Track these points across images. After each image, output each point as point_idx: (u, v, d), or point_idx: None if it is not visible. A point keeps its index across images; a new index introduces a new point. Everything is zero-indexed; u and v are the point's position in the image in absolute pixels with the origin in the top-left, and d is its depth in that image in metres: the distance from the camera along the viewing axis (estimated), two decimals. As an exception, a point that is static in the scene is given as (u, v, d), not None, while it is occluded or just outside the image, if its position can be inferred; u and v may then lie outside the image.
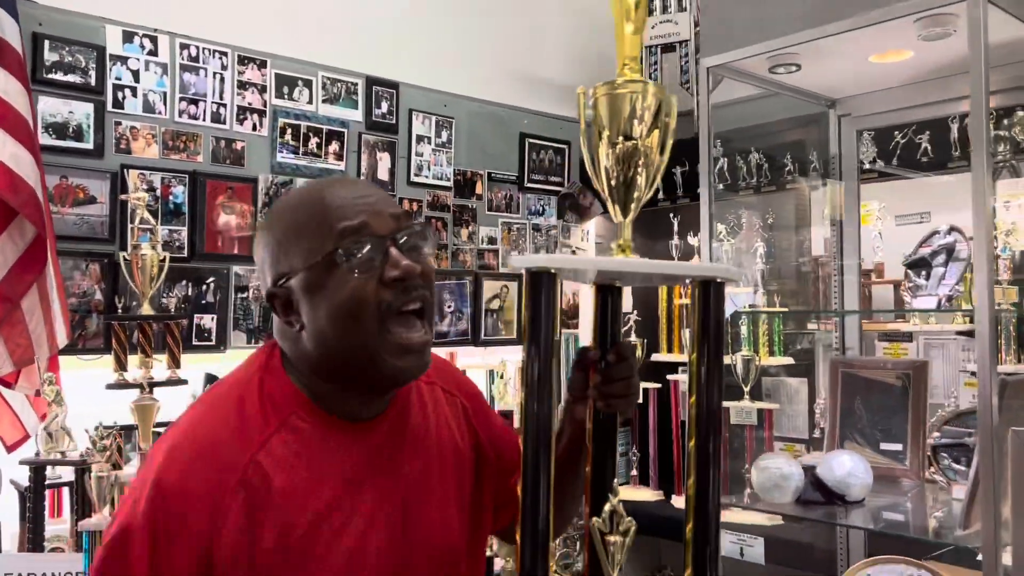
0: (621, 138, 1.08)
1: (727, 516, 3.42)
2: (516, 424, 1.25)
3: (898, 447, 1.97)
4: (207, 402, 1.13)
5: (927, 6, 1.53)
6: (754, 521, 2.30)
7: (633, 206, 1.10)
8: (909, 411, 1.98)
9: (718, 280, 1.08)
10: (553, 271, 1.01)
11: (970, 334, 3.74)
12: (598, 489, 1.16)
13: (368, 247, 1.06)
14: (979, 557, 1.61)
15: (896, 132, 3.31)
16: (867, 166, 2.40)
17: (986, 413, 1.47)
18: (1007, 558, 1.46)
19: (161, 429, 2.74)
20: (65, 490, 2.73)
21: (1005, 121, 2.57)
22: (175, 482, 1.00)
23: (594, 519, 1.04)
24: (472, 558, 1.21)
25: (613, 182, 1.10)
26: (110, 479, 2.22)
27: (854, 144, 2.25)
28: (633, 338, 4.10)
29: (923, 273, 1.84)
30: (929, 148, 3.36)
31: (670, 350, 4.06)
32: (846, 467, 1.79)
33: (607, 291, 1.18)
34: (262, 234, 1.16)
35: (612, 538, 1.02)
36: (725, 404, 3.73)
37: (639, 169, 1.08)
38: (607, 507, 1.03)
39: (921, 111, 2.47)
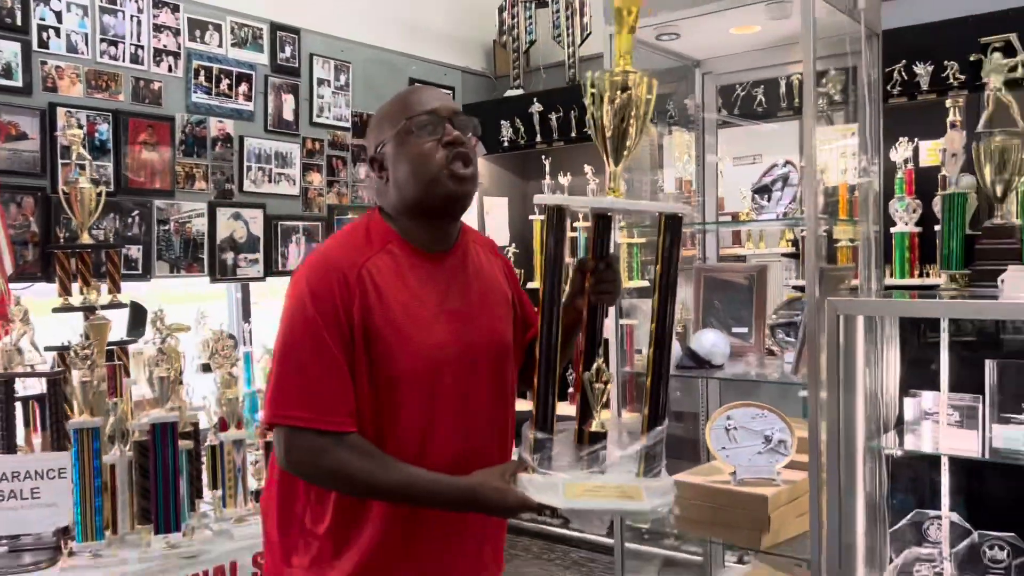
0: (619, 92, 1.44)
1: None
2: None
3: (745, 329, 2.58)
4: (328, 241, 1.59)
5: (774, -3, 2.11)
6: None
7: (625, 154, 1.48)
8: (754, 302, 2.59)
9: (679, 215, 1.46)
10: (563, 206, 1.44)
11: (793, 255, 4.54)
12: (588, 354, 1.52)
13: (434, 121, 1.53)
14: (801, 394, 2.25)
15: (738, 87, 3.96)
16: (723, 114, 2.99)
17: (812, 290, 2.08)
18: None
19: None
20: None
21: (823, 80, 3.23)
22: (318, 282, 1.48)
23: (585, 373, 1.48)
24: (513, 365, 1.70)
25: (609, 133, 1.47)
26: (93, 384, 2.51)
27: (714, 96, 2.82)
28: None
29: (766, 196, 2.43)
30: (764, 100, 4.04)
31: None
32: (711, 340, 2.38)
33: (600, 218, 1.54)
34: (371, 125, 1.63)
35: (598, 385, 1.46)
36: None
37: (631, 120, 1.47)
38: (594, 365, 1.47)
39: (764, 71, 3.10)
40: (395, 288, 1.51)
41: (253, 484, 2.91)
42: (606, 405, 1.50)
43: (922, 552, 2.24)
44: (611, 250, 1.57)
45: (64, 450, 2.60)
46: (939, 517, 2.30)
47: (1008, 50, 3.27)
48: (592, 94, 1.49)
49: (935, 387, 2.30)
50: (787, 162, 2.42)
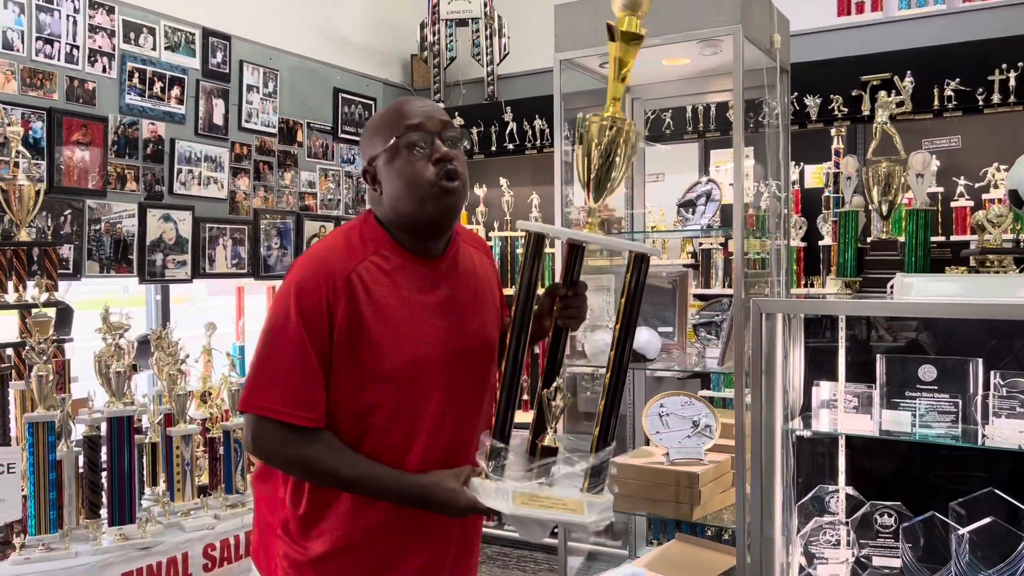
0: (608, 132, 1.51)
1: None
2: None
3: (670, 329, 2.87)
4: (325, 239, 1.64)
5: (708, 36, 2.41)
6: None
7: (605, 192, 1.55)
8: (677, 304, 2.89)
9: (647, 255, 1.51)
10: (544, 234, 1.55)
11: (692, 266, 4.94)
12: (550, 373, 1.58)
13: (423, 137, 1.56)
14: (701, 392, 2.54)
15: (647, 112, 4.30)
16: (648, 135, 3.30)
17: (739, 292, 2.39)
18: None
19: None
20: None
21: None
22: (306, 282, 1.53)
23: (545, 391, 1.53)
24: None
25: (594, 173, 1.52)
26: (49, 379, 2.54)
27: (642, 118, 3.12)
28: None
29: (691, 210, 2.73)
30: (671, 124, 4.39)
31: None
32: (646, 336, 2.65)
33: (574, 248, 1.59)
34: (363, 135, 1.65)
35: (556, 403, 1.52)
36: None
37: (619, 151, 1.50)
38: (554, 384, 1.53)
39: (685, 99, 3.44)
40: (385, 290, 1.56)
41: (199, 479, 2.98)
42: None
43: (824, 521, 2.57)
44: (579, 278, 1.63)
45: (6, 445, 2.61)
46: (837, 491, 2.65)
47: (885, 87, 3.73)
48: (581, 134, 1.58)
49: (833, 378, 2.65)
50: (709, 180, 2.73)
